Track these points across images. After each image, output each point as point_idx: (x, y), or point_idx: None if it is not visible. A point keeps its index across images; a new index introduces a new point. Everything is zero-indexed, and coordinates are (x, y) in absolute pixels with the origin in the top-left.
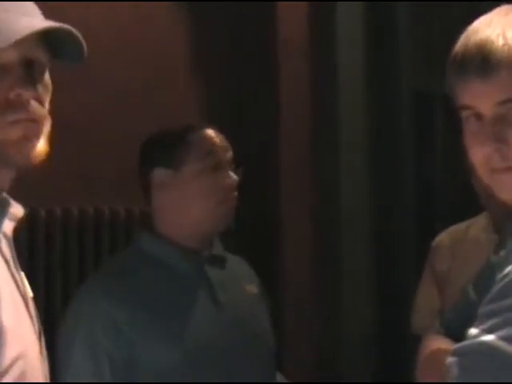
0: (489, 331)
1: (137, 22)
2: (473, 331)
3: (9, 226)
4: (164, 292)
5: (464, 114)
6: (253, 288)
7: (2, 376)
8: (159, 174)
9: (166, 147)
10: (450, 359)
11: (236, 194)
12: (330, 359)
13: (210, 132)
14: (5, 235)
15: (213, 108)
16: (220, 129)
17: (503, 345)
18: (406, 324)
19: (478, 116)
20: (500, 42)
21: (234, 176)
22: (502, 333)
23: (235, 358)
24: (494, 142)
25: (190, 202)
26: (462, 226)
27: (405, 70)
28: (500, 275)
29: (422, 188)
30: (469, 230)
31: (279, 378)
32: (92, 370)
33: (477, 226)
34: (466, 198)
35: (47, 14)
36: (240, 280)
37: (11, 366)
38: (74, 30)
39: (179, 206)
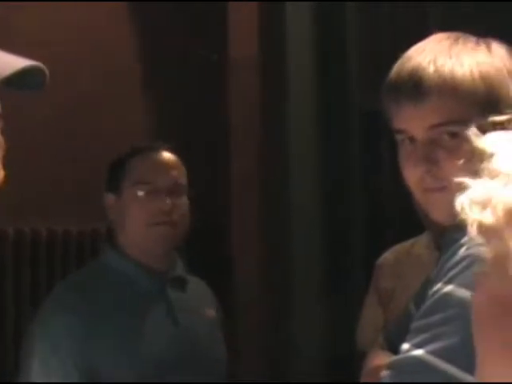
0: (418, 346)
1: (84, 33)
2: (405, 346)
3: None
4: (124, 307)
5: (398, 137)
6: (211, 311)
7: None
8: (108, 197)
9: (111, 173)
10: (384, 373)
11: (175, 217)
12: (282, 371)
13: (150, 157)
14: None
15: (161, 123)
16: (169, 143)
17: (431, 359)
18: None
19: (411, 139)
20: (431, 68)
21: (167, 201)
22: (430, 347)
23: (188, 378)
24: (425, 164)
25: (129, 224)
26: (406, 244)
27: (353, 89)
28: (431, 291)
29: (371, 203)
30: (413, 248)
31: None
32: (60, 378)
33: (420, 244)
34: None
35: None
36: (199, 303)
37: None
38: (44, 68)
39: (125, 227)
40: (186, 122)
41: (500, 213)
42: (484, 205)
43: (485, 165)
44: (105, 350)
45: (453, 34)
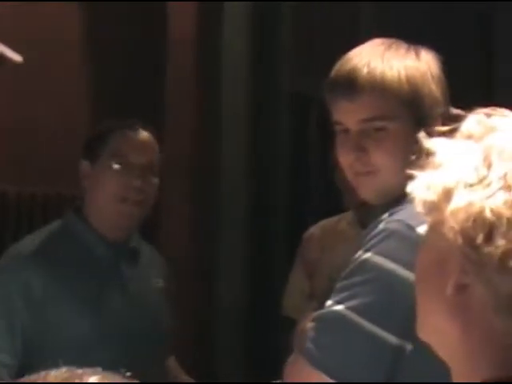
0: (339, 302)
1: (30, 20)
2: (328, 302)
3: None
4: (78, 272)
5: (336, 127)
6: (159, 281)
7: None
8: (83, 164)
9: (90, 142)
10: (309, 324)
11: (143, 196)
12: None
13: (129, 134)
14: None
15: (100, 100)
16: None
17: (349, 313)
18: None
19: (346, 130)
20: (365, 70)
21: (138, 179)
22: (349, 304)
23: (133, 342)
24: (356, 152)
25: (99, 195)
26: (332, 220)
27: (283, 71)
28: (353, 258)
29: (296, 185)
30: (338, 224)
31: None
32: (5, 325)
33: (345, 221)
34: (337, 196)
35: None
36: (149, 273)
37: None
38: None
39: (93, 197)
40: (122, 99)
41: (439, 191)
42: (428, 187)
43: (430, 159)
44: (56, 310)
45: (388, 40)
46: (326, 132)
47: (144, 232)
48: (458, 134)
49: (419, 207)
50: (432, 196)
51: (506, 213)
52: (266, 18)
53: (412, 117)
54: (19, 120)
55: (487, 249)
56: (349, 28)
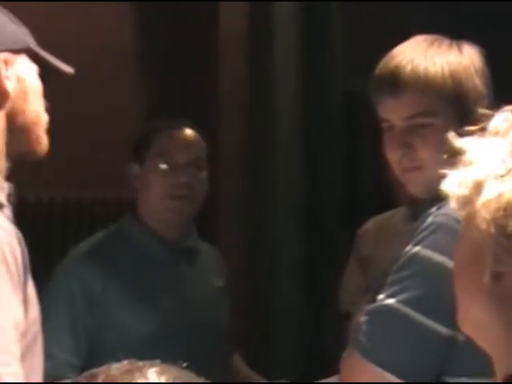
0: (390, 296)
1: (82, 21)
2: (380, 296)
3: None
4: (135, 271)
5: (383, 124)
6: (219, 281)
7: (25, 334)
8: (132, 167)
9: (137, 145)
10: (362, 318)
11: (191, 192)
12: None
13: (173, 133)
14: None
15: (153, 107)
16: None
17: (401, 307)
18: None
19: (392, 127)
20: (408, 68)
21: (185, 176)
22: (400, 297)
23: (191, 342)
24: (402, 148)
25: (149, 194)
26: (386, 215)
27: (337, 71)
28: (403, 252)
29: (350, 184)
30: (391, 219)
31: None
32: (69, 325)
33: (398, 216)
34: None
35: None
36: (208, 273)
37: (30, 326)
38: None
39: (145, 197)
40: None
41: (470, 185)
42: (459, 183)
43: (460, 158)
44: (115, 306)
45: (430, 37)
46: (379, 131)
47: (201, 232)
48: (486, 133)
49: (453, 203)
50: (464, 191)
51: None
52: (316, 18)
53: (456, 112)
54: (71, 124)
55: None
56: (399, 27)
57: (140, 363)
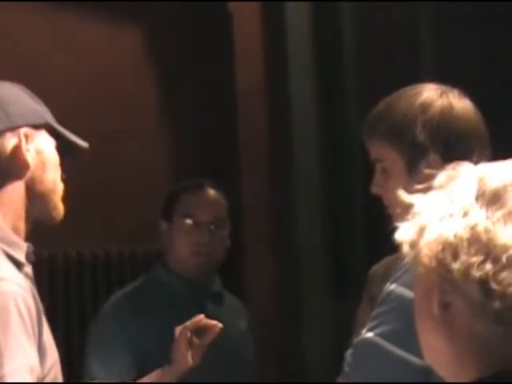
0: (370, 329)
1: (106, 72)
2: (363, 331)
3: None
4: (168, 313)
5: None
6: (243, 323)
7: (44, 379)
8: (162, 224)
9: (166, 205)
10: (348, 351)
11: (212, 248)
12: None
13: (197, 193)
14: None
15: (178, 155)
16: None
17: (378, 340)
18: None
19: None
20: (378, 117)
21: (206, 234)
22: (377, 331)
23: (221, 377)
24: (376, 187)
25: (176, 249)
26: (394, 256)
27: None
28: (383, 289)
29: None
30: (399, 258)
31: None
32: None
33: (406, 257)
34: None
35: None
36: (233, 315)
37: (49, 371)
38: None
39: (172, 250)
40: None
41: (417, 230)
42: (408, 231)
43: (410, 211)
44: (150, 345)
45: (420, 88)
46: None
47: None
48: (432, 189)
49: (405, 248)
50: (412, 235)
51: (465, 235)
52: (335, 72)
53: (405, 159)
54: (103, 183)
55: (454, 265)
56: (408, 32)
57: None
